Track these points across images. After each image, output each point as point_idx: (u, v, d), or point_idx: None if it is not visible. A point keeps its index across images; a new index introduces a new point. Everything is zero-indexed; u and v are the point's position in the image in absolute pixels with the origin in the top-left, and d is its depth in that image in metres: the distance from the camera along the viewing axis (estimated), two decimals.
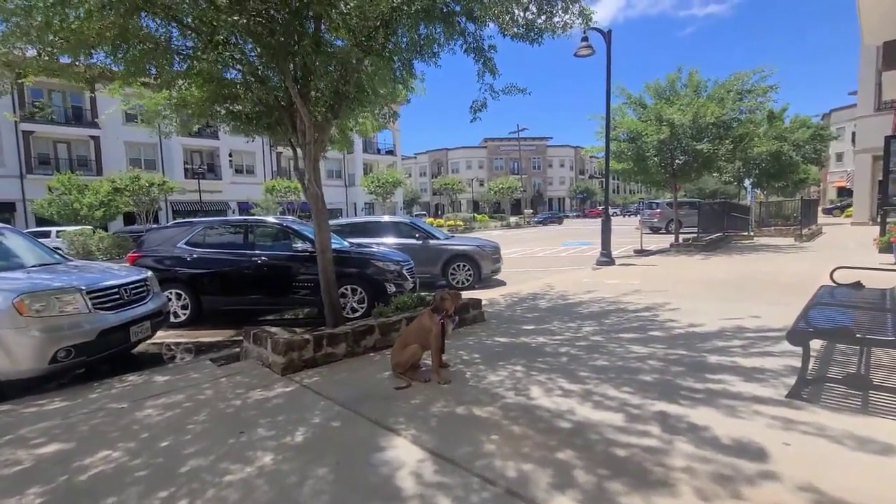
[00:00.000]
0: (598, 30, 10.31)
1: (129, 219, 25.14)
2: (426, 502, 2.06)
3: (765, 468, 2.24)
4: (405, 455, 2.47)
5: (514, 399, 3.18)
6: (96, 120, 20.19)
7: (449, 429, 2.78)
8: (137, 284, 4.86)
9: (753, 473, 2.20)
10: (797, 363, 3.46)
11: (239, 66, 4.74)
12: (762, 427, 2.65)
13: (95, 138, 28.01)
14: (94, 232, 17.77)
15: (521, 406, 3.06)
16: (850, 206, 28.75)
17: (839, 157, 48.63)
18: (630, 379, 3.48)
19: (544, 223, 46.61)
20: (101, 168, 27.63)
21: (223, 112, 5.53)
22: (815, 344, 3.73)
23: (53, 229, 19.31)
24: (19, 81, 4.95)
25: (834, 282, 4.48)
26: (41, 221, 22.81)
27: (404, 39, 4.86)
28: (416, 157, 76.74)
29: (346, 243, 7.52)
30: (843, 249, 12.50)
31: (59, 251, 6.00)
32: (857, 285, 4.31)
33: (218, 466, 2.42)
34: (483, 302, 5.94)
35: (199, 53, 4.59)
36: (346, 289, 6.55)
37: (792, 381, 3.27)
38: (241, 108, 5.44)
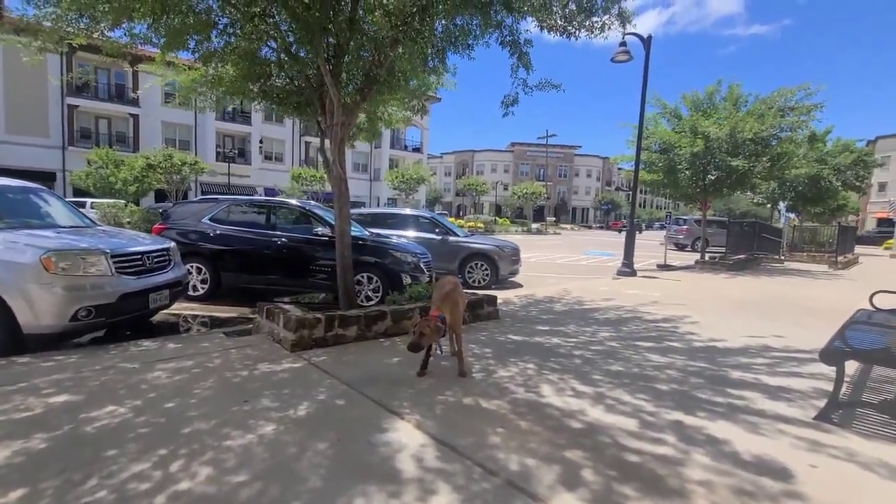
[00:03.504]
0: (638, 35, 10.08)
1: (161, 196, 25.84)
2: (425, 487, 1.99)
3: (790, 488, 2.09)
4: (407, 438, 2.41)
5: (523, 395, 3.08)
6: (135, 95, 20.72)
7: (454, 417, 2.70)
8: (160, 253, 4.94)
9: (777, 492, 2.06)
10: (827, 386, 3.29)
11: (273, 42, 4.77)
12: (786, 447, 2.49)
13: (135, 116, 28.95)
14: (125, 206, 18.37)
15: (530, 402, 2.96)
16: (890, 236, 27.47)
17: (882, 186, 46.64)
18: (646, 386, 3.34)
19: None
20: (139, 145, 28.50)
21: (256, 90, 5.59)
22: (849, 368, 3.52)
23: (89, 200, 19.99)
24: (66, 47, 5.11)
25: (873, 306, 4.23)
26: (78, 192, 23.63)
27: (439, 27, 4.82)
28: (441, 157, 76.84)
29: (366, 232, 7.53)
30: (881, 280, 11.90)
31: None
32: None
33: (219, 431, 2.40)
34: (498, 300, 5.84)
35: (235, 30, 4.63)
36: (363, 276, 6.53)
37: (821, 403, 3.09)
38: (272, 87, 5.49)
